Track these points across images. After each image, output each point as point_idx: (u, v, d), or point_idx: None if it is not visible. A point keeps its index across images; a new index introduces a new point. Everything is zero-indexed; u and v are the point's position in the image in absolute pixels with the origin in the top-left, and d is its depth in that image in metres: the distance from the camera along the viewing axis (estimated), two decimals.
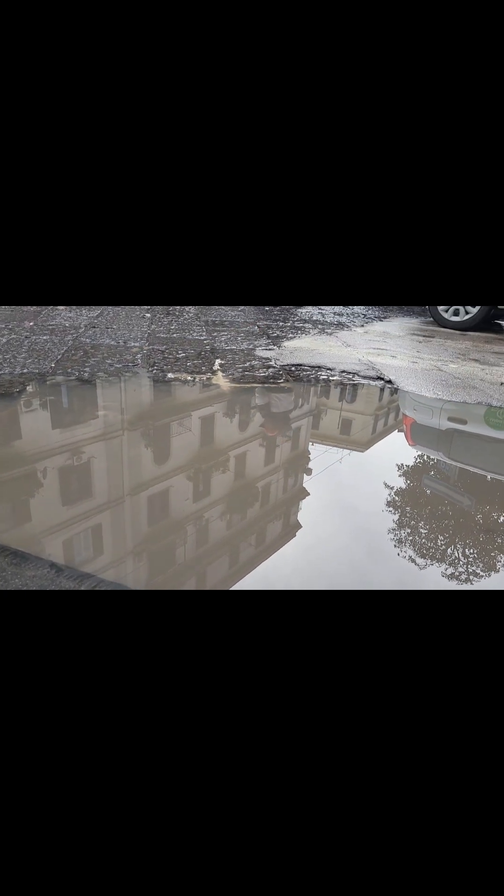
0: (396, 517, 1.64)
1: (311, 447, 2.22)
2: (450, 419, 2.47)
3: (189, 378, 2.74)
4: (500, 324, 5.45)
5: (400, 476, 1.95)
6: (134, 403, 2.39)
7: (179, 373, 2.80)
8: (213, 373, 2.85)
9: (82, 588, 1.14)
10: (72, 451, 1.88)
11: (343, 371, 3.03)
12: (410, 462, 2.10)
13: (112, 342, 3.33)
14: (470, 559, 1.45)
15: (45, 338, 3.30)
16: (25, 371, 2.61)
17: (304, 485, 1.85)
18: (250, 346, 3.51)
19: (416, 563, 1.40)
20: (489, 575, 1.38)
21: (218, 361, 3.08)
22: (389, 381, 2.90)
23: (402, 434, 2.36)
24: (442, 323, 4.89)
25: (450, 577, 1.36)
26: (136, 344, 3.34)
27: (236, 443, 2.11)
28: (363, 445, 2.26)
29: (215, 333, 3.86)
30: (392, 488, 1.83)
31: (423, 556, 1.44)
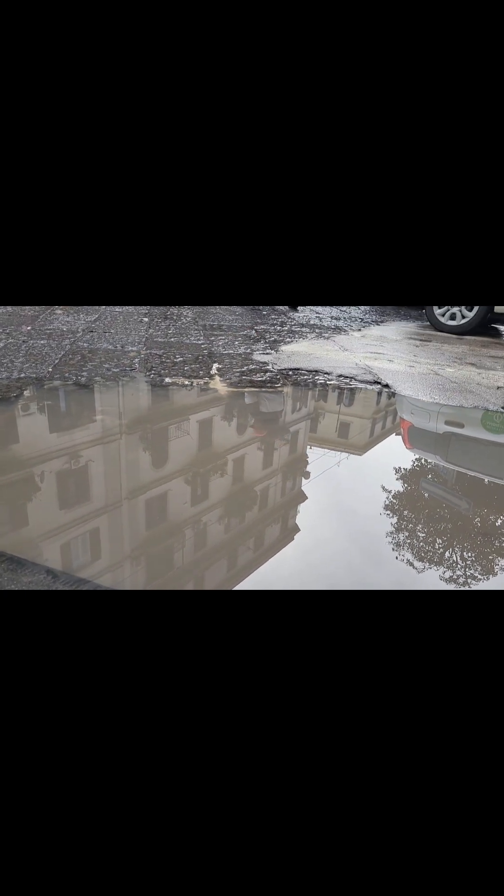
0: (394, 520, 1.64)
1: (308, 450, 2.23)
2: (447, 423, 2.48)
3: (186, 382, 2.74)
4: (496, 328, 5.48)
5: (398, 479, 1.96)
6: (131, 408, 2.39)
7: (177, 377, 2.80)
8: (211, 377, 2.86)
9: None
10: (69, 456, 1.88)
11: (340, 375, 3.04)
12: (408, 465, 2.11)
13: (109, 346, 3.33)
14: (468, 562, 1.46)
15: (42, 342, 3.30)
16: (23, 375, 2.61)
17: (303, 488, 1.85)
18: (248, 351, 3.52)
19: (414, 567, 1.40)
20: (487, 578, 1.38)
21: (215, 366, 3.08)
22: (386, 386, 2.91)
23: (400, 438, 2.37)
24: (439, 327, 4.91)
25: (448, 579, 1.36)
26: (134, 348, 3.34)
27: (234, 446, 2.11)
28: (361, 449, 2.27)
29: (213, 337, 3.87)
30: (390, 491, 1.83)
31: (421, 560, 1.44)
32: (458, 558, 1.47)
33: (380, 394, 2.87)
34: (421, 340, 4.44)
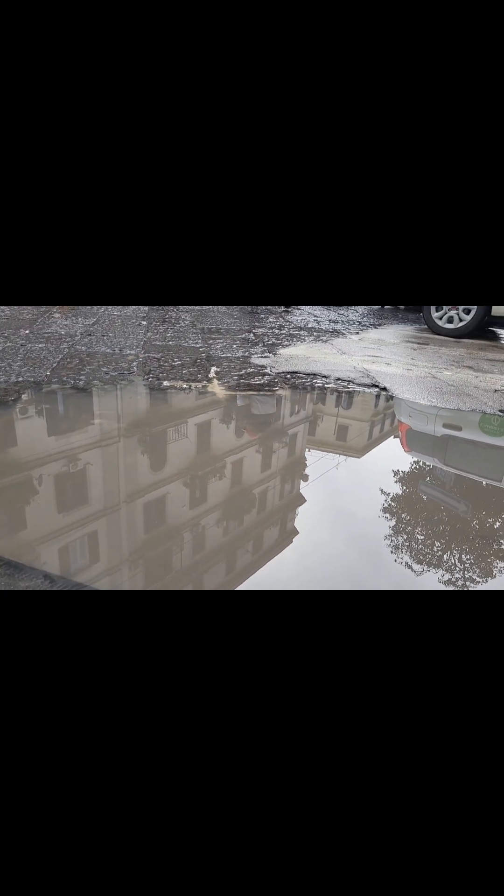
0: (393, 523, 1.64)
1: (307, 453, 2.23)
2: (445, 426, 2.48)
3: (185, 386, 2.74)
4: (493, 331, 5.50)
5: (396, 482, 1.96)
6: (130, 411, 2.39)
7: (175, 380, 2.81)
8: (209, 380, 2.86)
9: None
10: (67, 459, 1.88)
11: (338, 379, 3.05)
12: (406, 468, 2.11)
13: (108, 350, 3.33)
14: (466, 564, 1.46)
15: (40, 346, 3.30)
16: (21, 379, 2.61)
17: (301, 491, 1.85)
18: (246, 354, 3.53)
19: (412, 569, 1.39)
20: (485, 580, 1.38)
21: (214, 369, 3.09)
22: (384, 389, 2.92)
23: (398, 441, 2.37)
24: (436, 330, 4.93)
25: (446, 582, 1.36)
26: (132, 352, 3.34)
27: (232, 449, 2.11)
28: (359, 452, 2.27)
29: (211, 341, 3.87)
30: (388, 494, 1.83)
31: (419, 562, 1.43)
32: (457, 561, 1.47)
33: (378, 397, 2.87)
34: (418, 344, 4.45)
